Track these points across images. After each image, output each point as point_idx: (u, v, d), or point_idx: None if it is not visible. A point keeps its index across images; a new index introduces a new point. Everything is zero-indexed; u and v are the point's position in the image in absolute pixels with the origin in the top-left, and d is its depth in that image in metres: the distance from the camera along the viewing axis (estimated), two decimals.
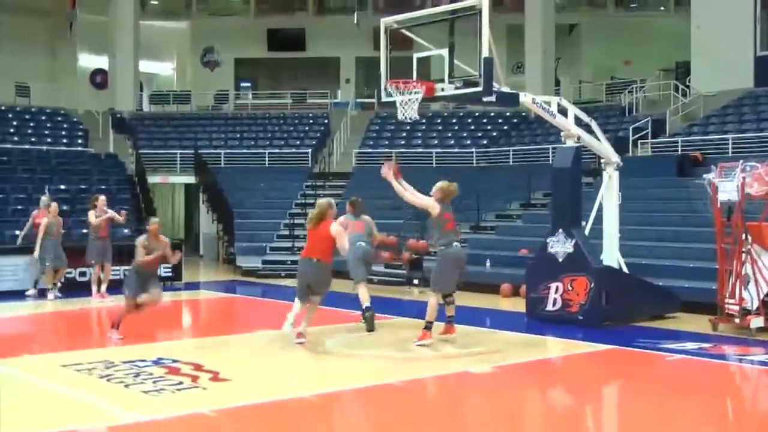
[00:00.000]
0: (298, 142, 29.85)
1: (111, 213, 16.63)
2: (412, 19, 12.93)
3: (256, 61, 37.71)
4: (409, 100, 11.89)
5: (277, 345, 11.58)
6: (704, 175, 12.99)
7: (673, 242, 16.91)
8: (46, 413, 7.99)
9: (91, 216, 16.47)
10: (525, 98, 12.88)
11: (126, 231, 20.06)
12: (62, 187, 23.67)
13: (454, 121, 30.36)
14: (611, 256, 13.85)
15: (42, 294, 16.58)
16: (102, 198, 16.81)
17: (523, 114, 28.14)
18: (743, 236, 12.29)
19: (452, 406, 8.56)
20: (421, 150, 28.30)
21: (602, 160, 14.14)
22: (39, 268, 16.75)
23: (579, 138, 13.48)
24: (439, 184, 11.22)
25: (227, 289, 19.56)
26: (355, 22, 30.39)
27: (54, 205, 17.04)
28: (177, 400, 8.24)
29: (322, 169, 28.37)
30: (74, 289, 16.96)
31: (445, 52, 11.99)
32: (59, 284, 16.86)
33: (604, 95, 31.62)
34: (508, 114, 29.32)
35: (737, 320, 12.18)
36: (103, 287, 16.34)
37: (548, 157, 23.63)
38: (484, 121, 29.90)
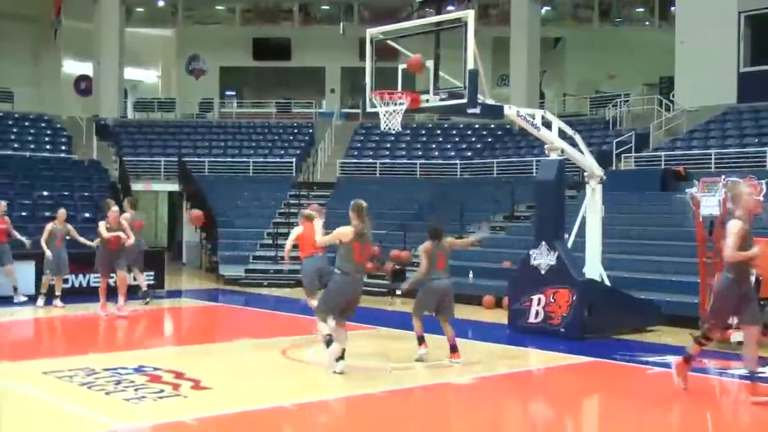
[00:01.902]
0: (282, 152, 29.83)
1: (120, 233, 15.02)
2: (398, 31, 12.98)
3: (241, 70, 37.71)
4: (394, 110, 11.91)
5: (259, 354, 11.55)
6: (687, 190, 13.08)
7: (655, 256, 16.97)
8: (26, 420, 7.94)
9: (102, 228, 14.99)
10: (509, 110, 12.94)
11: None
12: (45, 193, 23.58)
13: (438, 132, 30.42)
14: (593, 268, 13.89)
15: (30, 300, 16.36)
16: (115, 208, 15.27)
17: (508, 126, 28.21)
18: None
19: (433, 417, 8.55)
20: (405, 161, 28.34)
21: (585, 174, 14.18)
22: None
23: (563, 151, 13.53)
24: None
25: (209, 297, 19.48)
26: (341, 32, 30.47)
27: (62, 211, 16.53)
28: (158, 408, 8.21)
29: (306, 178, 28.31)
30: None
31: (430, 63, 12.03)
32: (58, 292, 16.25)
33: (588, 108, 31.81)
34: (492, 126, 29.36)
35: (718, 334, 12.22)
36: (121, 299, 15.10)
37: (532, 169, 23.69)
38: (469, 132, 29.96)
